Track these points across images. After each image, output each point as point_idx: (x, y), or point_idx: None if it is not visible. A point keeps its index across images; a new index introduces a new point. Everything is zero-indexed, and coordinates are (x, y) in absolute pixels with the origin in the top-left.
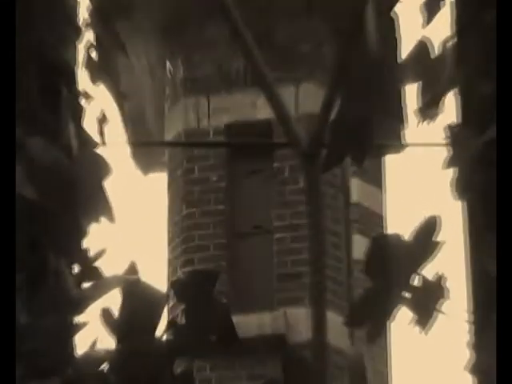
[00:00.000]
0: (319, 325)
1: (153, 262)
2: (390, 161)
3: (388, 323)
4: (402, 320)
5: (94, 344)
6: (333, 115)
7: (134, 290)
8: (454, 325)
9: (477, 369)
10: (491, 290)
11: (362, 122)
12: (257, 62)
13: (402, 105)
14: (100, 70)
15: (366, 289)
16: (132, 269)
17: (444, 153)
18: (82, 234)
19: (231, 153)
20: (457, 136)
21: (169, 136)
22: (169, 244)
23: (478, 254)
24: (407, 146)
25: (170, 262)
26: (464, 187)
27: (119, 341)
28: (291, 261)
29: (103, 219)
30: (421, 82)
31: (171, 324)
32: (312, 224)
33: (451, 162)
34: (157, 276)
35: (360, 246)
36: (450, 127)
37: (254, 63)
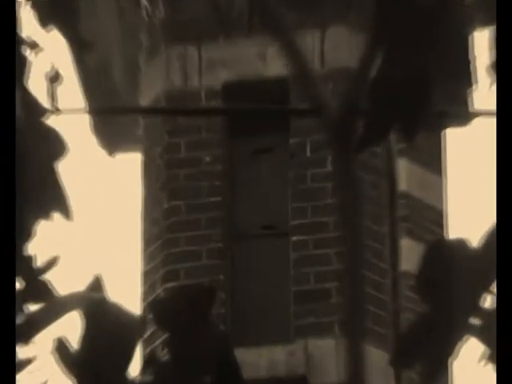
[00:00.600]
0: (355, 363)
1: (123, 274)
2: (453, 136)
3: (449, 361)
4: (468, 355)
5: None
6: (373, 72)
7: (98, 312)
8: None
9: None
10: None
11: (413, 82)
12: None
13: (469, 59)
14: (52, 10)
15: (418, 313)
16: (96, 284)
17: None
18: (25, 235)
19: (231, 124)
20: None
21: (145, 100)
22: (144, 250)
23: None
24: (475, 115)
25: (147, 275)
26: None
27: (78, 382)
28: (314, 273)
29: (55, 215)
30: (495, 27)
31: (150, 360)
32: (344, 223)
33: None
34: (129, 294)
35: (410, 254)
36: None
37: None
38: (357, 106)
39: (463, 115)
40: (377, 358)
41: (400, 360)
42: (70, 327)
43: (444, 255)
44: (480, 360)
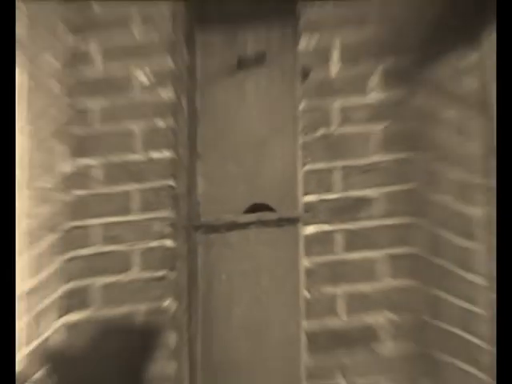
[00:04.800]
0: None
1: None
2: None
3: None
4: None
5: None
6: None
7: None
8: None
9: None
10: None
11: None
12: None
13: None
14: None
15: None
16: None
17: None
18: None
19: (190, 11)
20: None
21: None
22: (24, 250)
23: None
24: None
25: (30, 299)
26: None
27: None
28: (347, 296)
29: None
30: None
31: None
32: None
33: None
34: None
35: None
36: None
37: None
38: None
39: None
40: None
41: None
42: None
43: None
44: None
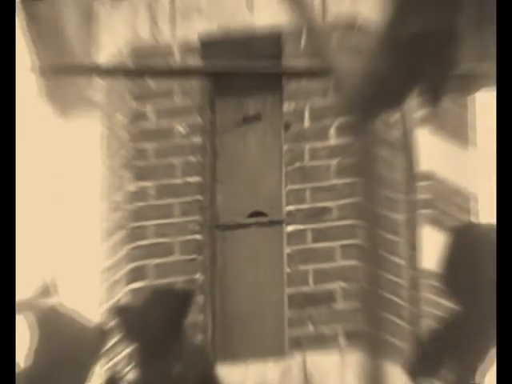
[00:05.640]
0: (370, 381)
1: (78, 272)
2: (485, 100)
3: (480, 369)
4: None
5: None
6: (389, 26)
7: (48, 322)
8: None
9: None
10: None
11: (437, 33)
12: None
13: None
14: None
15: (442, 316)
16: (44, 289)
17: None
18: None
19: (211, 86)
20: None
21: (102, 55)
22: (104, 242)
23: None
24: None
25: (107, 274)
26: None
27: None
28: (314, 271)
29: None
30: None
31: (112, 379)
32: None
33: None
34: (85, 297)
35: (433, 246)
36: None
37: None
38: (369, 65)
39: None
40: (392, 376)
41: (420, 370)
42: (17, 341)
43: (474, 244)
44: None
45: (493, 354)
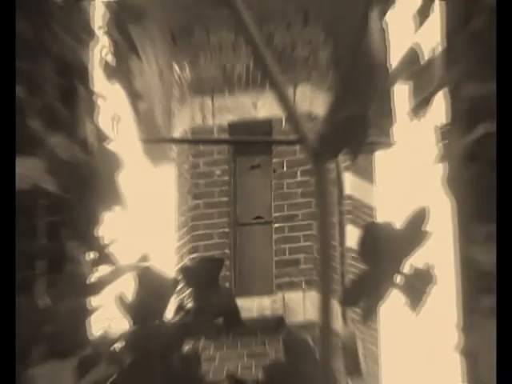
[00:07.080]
0: (325, 308)
1: (162, 249)
2: (381, 157)
3: (379, 305)
4: (392, 303)
5: (108, 325)
6: (332, 114)
7: (145, 275)
8: (442, 308)
9: (465, 350)
10: (476, 275)
11: (357, 120)
12: (266, 62)
13: (393, 105)
14: (115, 72)
15: (358, 274)
16: (143, 257)
17: (430, 149)
18: (96, 222)
19: (234, 149)
20: (446, 134)
21: (176, 133)
22: (176, 232)
23: (465, 243)
24: (396, 143)
25: (178, 249)
26: (453, 182)
27: (132, 323)
28: (289, 248)
29: (116, 208)
30: (412, 85)
31: (179, 307)
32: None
33: (441, 159)
34: (166, 262)
35: (353, 235)
36: (440, 126)
37: (264, 64)
38: (329, 138)
39: (388, 143)
40: (332, 305)
41: (346, 302)
42: (126, 285)
43: (376, 233)
44: (403, 305)
45: (390, 292)
